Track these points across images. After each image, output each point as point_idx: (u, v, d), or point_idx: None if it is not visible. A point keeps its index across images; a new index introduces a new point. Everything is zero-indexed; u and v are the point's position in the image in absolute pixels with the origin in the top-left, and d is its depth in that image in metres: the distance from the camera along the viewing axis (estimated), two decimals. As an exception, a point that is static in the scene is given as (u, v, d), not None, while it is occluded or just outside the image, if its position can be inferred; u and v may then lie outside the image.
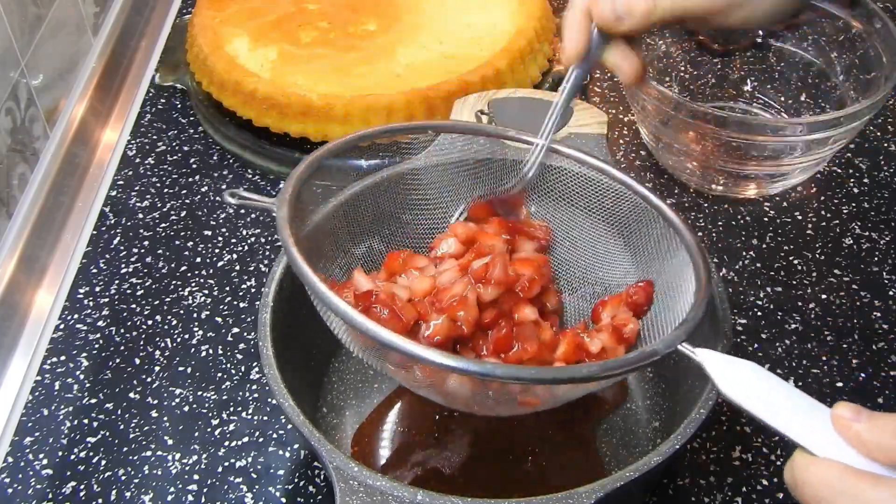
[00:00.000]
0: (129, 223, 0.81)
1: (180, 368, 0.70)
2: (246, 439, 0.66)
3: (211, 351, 0.71)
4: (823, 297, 0.75)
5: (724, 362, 0.46)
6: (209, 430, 0.66)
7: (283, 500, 0.62)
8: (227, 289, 0.76)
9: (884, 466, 0.40)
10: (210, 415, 0.67)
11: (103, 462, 0.64)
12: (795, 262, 0.78)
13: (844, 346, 0.71)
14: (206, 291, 0.75)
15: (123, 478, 0.63)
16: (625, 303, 0.59)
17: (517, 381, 0.48)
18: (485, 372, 0.46)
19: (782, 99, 0.89)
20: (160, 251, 0.79)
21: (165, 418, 0.67)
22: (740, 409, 0.45)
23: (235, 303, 0.75)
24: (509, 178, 0.63)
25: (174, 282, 0.76)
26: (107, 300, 0.75)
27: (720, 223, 0.81)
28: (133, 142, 0.89)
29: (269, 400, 0.68)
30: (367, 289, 0.56)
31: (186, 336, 0.72)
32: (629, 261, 0.62)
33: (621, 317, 0.58)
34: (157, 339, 0.72)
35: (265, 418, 0.67)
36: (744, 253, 0.78)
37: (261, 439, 0.65)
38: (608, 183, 0.62)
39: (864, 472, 0.40)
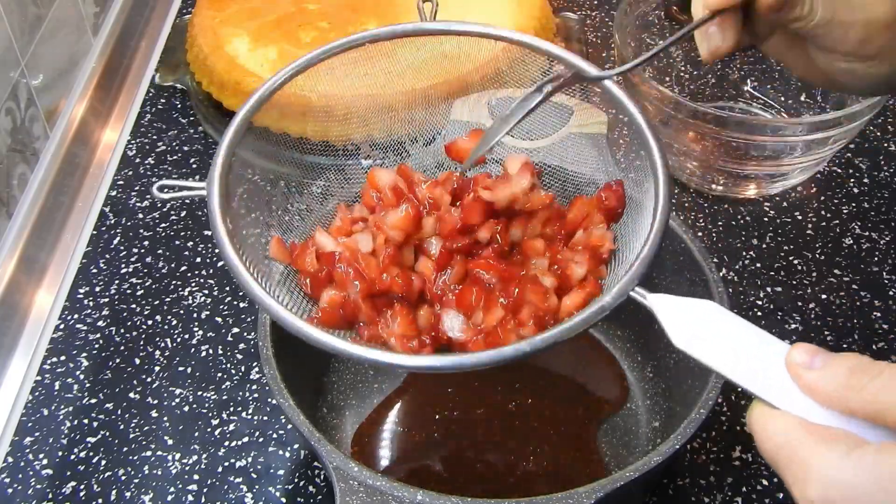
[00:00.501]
0: (129, 223, 0.81)
1: (180, 368, 0.70)
2: (246, 439, 0.66)
3: (211, 351, 0.71)
4: (823, 297, 0.75)
5: (678, 307, 0.42)
6: (209, 430, 0.66)
7: (283, 500, 0.62)
8: (227, 289, 0.76)
9: (844, 416, 0.37)
10: (210, 415, 0.67)
11: (103, 462, 0.64)
12: (795, 262, 0.77)
13: (844, 346, 0.71)
14: (206, 291, 0.75)
15: (123, 478, 0.63)
16: (597, 208, 0.54)
17: (461, 370, 0.45)
18: (427, 365, 0.45)
19: (782, 99, 0.89)
20: (160, 251, 0.79)
21: (165, 418, 0.67)
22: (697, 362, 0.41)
23: (235, 303, 0.75)
24: None
25: (174, 282, 0.76)
26: (107, 300, 0.75)
27: (720, 223, 0.81)
28: (133, 142, 0.89)
29: (269, 400, 0.68)
30: (330, 250, 0.52)
31: (186, 336, 0.72)
32: (596, 158, 0.59)
33: (596, 234, 0.54)
34: (157, 339, 0.72)
35: (265, 418, 0.67)
36: (744, 253, 0.78)
37: (261, 439, 0.65)
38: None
39: (819, 430, 0.37)
